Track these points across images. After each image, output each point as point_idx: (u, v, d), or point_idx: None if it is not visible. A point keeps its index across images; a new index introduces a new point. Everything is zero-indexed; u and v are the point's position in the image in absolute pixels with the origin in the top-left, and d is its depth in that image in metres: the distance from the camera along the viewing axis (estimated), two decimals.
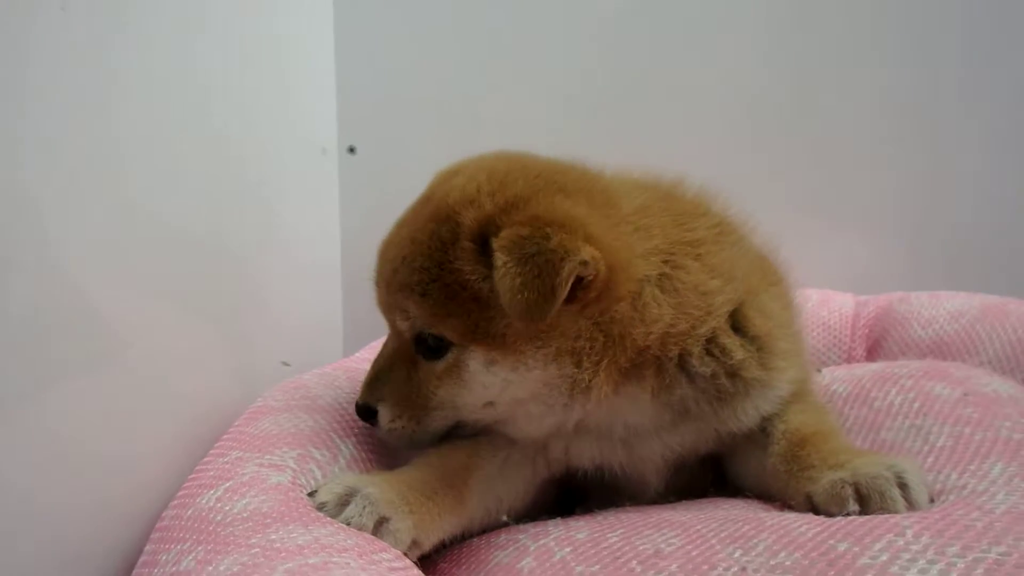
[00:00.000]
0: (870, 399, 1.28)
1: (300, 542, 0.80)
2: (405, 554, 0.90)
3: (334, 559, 0.77)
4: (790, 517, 0.87)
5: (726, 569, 0.76)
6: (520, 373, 1.01)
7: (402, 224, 1.12)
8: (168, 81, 1.23)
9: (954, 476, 0.99)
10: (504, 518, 1.09)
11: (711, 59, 2.24)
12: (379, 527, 0.92)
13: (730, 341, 1.05)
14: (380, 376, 1.13)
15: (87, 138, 1.01)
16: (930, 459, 1.06)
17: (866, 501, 0.88)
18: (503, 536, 1.00)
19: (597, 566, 0.82)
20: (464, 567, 0.98)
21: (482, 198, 1.01)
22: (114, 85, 1.08)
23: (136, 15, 1.13)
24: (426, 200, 1.11)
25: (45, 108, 0.93)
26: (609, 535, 0.89)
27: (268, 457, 1.04)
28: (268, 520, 0.86)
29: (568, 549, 0.87)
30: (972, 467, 1.00)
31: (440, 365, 1.05)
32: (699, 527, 0.87)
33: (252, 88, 1.56)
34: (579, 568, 0.82)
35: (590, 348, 1.00)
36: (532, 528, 0.99)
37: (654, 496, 1.12)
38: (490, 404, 1.06)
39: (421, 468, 1.06)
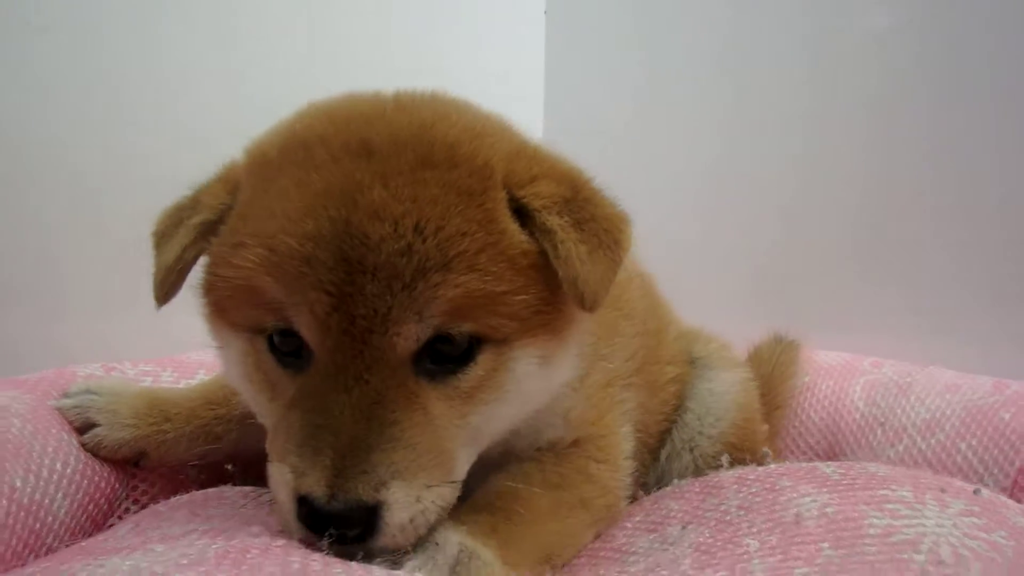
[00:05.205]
0: None
1: None
2: (137, 462, 1.06)
3: None
4: None
5: None
6: (565, 366, 0.88)
7: (362, 183, 0.75)
8: None
9: None
10: None
11: None
12: (87, 430, 1.03)
13: None
14: (363, 439, 0.71)
15: None
16: None
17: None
18: None
19: None
20: None
21: (490, 137, 0.84)
22: None
23: None
24: (392, 145, 0.78)
25: None
26: None
27: None
28: None
29: None
30: None
31: (466, 380, 0.78)
32: None
33: None
34: None
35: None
36: None
37: None
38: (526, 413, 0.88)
39: (189, 389, 1.12)
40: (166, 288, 0.83)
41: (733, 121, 1.98)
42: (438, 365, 0.77)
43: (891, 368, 1.50)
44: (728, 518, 0.82)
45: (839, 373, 1.53)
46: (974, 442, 1.25)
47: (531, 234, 0.79)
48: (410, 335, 0.74)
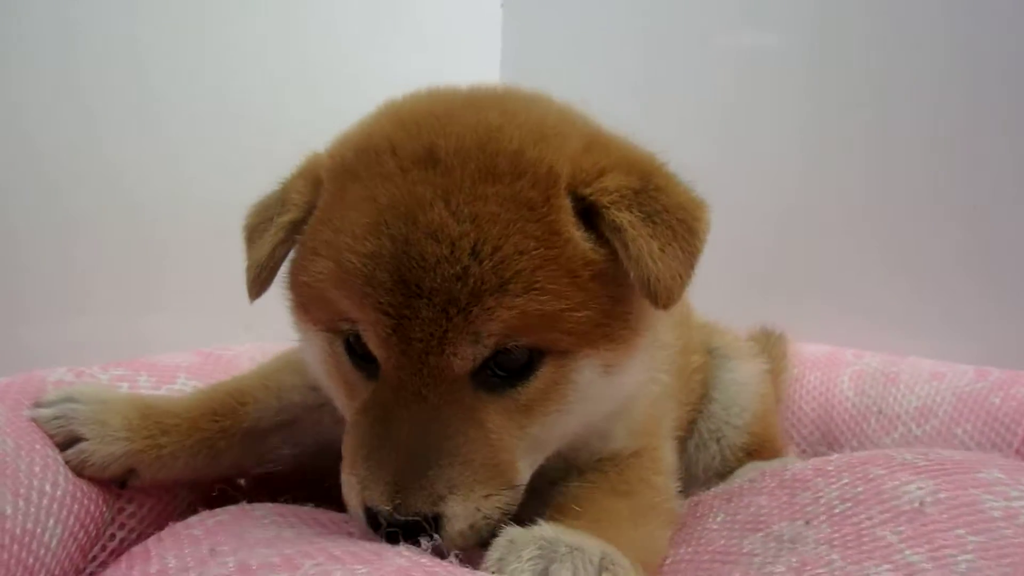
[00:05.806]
0: None
1: None
2: (124, 482, 0.92)
3: None
4: None
5: None
6: (634, 371, 0.85)
7: (423, 200, 0.74)
8: None
9: None
10: None
11: None
12: (70, 445, 0.89)
13: None
14: (421, 455, 0.73)
15: None
16: None
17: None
18: None
19: None
20: None
21: (556, 138, 0.80)
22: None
23: None
24: (457, 154, 0.77)
25: None
26: None
27: None
28: None
29: None
30: None
31: (525, 393, 0.77)
32: None
33: None
34: None
35: None
36: None
37: None
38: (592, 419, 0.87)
39: (187, 398, 1.00)
40: (258, 285, 0.84)
41: (708, 126, 1.98)
42: (498, 377, 0.76)
43: (874, 358, 1.54)
44: (837, 511, 0.79)
45: (825, 364, 1.57)
46: (968, 427, 1.30)
47: (599, 235, 0.77)
48: (466, 356, 0.74)
